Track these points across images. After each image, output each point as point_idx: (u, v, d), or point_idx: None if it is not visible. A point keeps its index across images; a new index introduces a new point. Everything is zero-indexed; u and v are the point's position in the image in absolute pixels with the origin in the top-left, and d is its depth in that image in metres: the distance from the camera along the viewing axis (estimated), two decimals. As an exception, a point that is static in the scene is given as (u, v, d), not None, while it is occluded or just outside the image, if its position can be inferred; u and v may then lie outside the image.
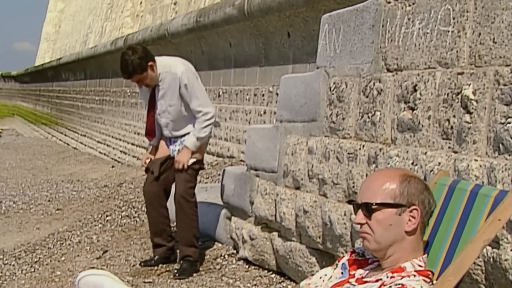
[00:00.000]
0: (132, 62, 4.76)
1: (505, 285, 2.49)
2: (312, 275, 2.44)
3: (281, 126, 4.39)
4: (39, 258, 6.23)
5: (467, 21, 2.75)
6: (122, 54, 4.88)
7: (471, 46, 2.73)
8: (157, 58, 4.92)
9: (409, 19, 3.14)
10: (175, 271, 4.86)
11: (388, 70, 3.30)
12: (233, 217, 5.13)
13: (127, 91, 16.36)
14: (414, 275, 2.08)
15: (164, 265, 5.05)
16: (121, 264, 5.32)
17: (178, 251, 5.06)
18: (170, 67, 4.87)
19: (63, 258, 5.96)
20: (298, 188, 4.10)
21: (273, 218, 4.38)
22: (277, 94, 6.56)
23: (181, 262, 4.89)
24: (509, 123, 2.48)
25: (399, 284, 2.04)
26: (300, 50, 7.80)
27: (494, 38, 2.60)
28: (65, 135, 24.89)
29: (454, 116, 2.78)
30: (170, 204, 5.09)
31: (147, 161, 5.10)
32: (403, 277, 2.08)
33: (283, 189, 4.25)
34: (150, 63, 4.81)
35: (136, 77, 4.82)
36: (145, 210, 5.35)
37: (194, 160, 4.91)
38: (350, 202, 2.32)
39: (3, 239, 7.35)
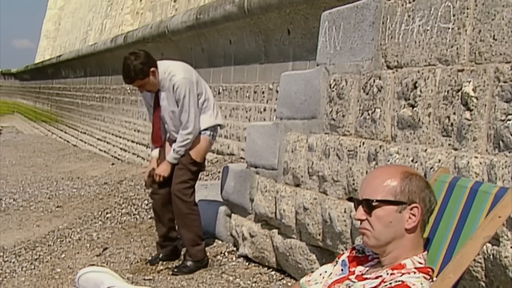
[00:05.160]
0: (134, 67, 4.73)
1: (505, 282, 2.49)
2: (312, 272, 2.44)
3: (281, 124, 4.39)
4: (39, 255, 6.23)
5: (467, 18, 2.75)
6: (124, 59, 4.84)
7: (471, 43, 2.73)
8: (159, 63, 4.87)
9: (409, 16, 3.13)
10: (175, 267, 4.87)
11: (388, 67, 3.30)
12: (233, 214, 5.13)
13: (127, 89, 16.35)
14: (414, 272, 2.08)
15: (164, 262, 5.06)
16: (121, 261, 5.32)
17: (183, 249, 5.07)
18: (169, 75, 4.81)
19: (63, 256, 5.97)
20: (298, 185, 4.10)
21: (273, 215, 4.38)
22: (277, 92, 6.55)
23: (184, 260, 4.90)
24: (509, 120, 2.48)
25: (399, 281, 2.04)
26: (300, 47, 7.79)
27: (494, 35, 2.60)
28: (65, 132, 24.89)
29: (454, 113, 2.77)
30: None
31: (147, 178, 5.11)
32: (403, 274, 2.08)
33: (283, 186, 4.25)
34: (152, 69, 4.77)
35: (137, 82, 4.80)
36: (152, 214, 5.38)
37: (191, 161, 4.89)
38: (350, 199, 2.32)
39: (3, 236, 7.36)
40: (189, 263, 4.84)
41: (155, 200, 5.11)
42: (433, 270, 2.12)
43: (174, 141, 4.97)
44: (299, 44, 7.83)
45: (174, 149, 4.89)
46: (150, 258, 5.20)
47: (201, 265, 4.86)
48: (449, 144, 2.81)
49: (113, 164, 13.45)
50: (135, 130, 15.33)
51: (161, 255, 5.12)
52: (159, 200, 5.04)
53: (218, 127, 5.08)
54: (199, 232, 4.94)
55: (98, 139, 19.51)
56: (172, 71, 4.83)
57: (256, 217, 4.71)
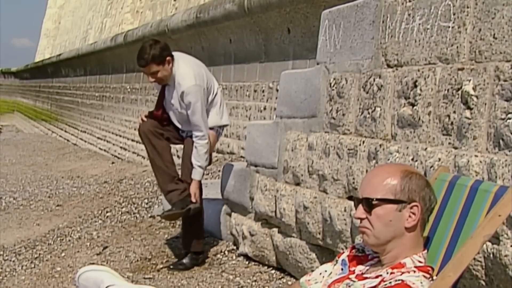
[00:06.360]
0: (152, 50, 4.64)
1: (505, 281, 2.49)
2: (312, 271, 2.44)
3: (281, 122, 4.39)
4: (39, 254, 6.23)
5: (467, 17, 2.75)
6: (143, 43, 4.78)
7: (471, 41, 2.72)
8: (176, 58, 4.77)
9: (409, 14, 3.13)
10: (171, 264, 4.89)
11: (388, 66, 3.30)
12: (233, 213, 5.13)
13: (127, 87, 16.35)
14: (414, 271, 2.08)
15: (165, 261, 5.06)
16: (121, 260, 5.32)
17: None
18: (180, 76, 4.73)
19: (63, 254, 5.97)
20: (298, 184, 4.10)
21: (273, 214, 4.38)
22: (277, 90, 6.55)
23: (181, 257, 4.92)
24: (510, 118, 2.48)
25: (399, 280, 2.04)
26: (300, 46, 7.79)
27: (494, 34, 2.59)
28: (65, 131, 24.88)
29: (454, 112, 2.77)
30: None
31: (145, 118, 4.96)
32: (403, 273, 2.08)
33: (283, 185, 4.25)
34: (168, 58, 4.69)
35: (151, 67, 4.67)
36: (146, 152, 5.14)
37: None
38: (350, 198, 2.32)
39: (3, 235, 7.36)
40: (185, 260, 4.86)
41: (144, 133, 4.96)
42: (433, 269, 2.12)
43: (177, 128, 4.92)
44: (299, 43, 7.83)
45: (197, 165, 4.76)
46: (163, 211, 5.06)
47: (197, 262, 4.88)
48: (449, 143, 2.81)
49: (113, 163, 13.45)
50: (135, 129, 15.30)
51: (173, 206, 4.85)
52: (148, 130, 4.91)
53: (224, 126, 5.08)
54: (202, 227, 4.98)
55: (98, 138, 19.50)
56: (183, 73, 4.73)
57: (256, 216, 4.71)
